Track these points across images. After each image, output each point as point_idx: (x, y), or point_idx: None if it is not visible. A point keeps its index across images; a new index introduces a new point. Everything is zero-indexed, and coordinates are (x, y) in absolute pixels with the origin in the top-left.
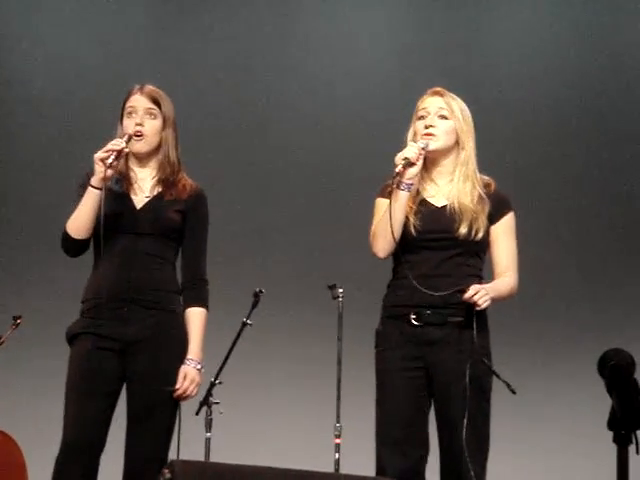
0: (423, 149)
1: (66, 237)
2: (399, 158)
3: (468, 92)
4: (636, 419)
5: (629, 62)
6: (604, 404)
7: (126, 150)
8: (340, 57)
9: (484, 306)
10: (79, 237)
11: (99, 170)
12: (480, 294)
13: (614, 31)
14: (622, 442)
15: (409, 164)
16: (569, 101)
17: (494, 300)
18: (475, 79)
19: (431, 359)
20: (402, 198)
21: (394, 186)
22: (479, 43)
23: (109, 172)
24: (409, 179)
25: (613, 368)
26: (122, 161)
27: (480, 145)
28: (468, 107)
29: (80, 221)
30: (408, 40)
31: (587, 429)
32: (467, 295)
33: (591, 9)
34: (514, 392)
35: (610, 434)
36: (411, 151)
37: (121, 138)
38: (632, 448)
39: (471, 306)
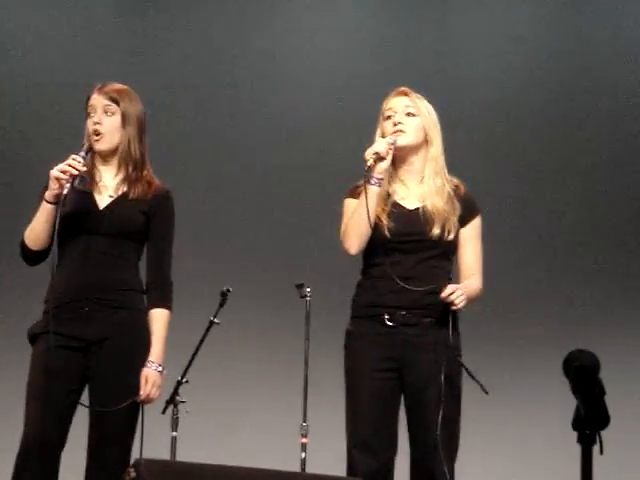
0: (392, 144)
1: (24, 247)
2: (369, 153)
3: (441, 94)
4: (600, 419)
5: (598, 60)
6: (569, 404)
7: (84, 169)
8: (310, 54)
9: (460, 306)
10: (36, 248)
11: (53, 187)
12: (457, 294)
13: (586, 29)
14: (587, 442)
15: (379, 158)
16: (540, 101)
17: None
18: (447, 80)
19: (405, 360)
20: (373, 193)
21: (365, 181)
22: (450, 43)
23: (64, 191)
24: (379, 173)
25: (577, 369)
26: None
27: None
28: (442, 108)
29: (36, 233)
30: (377, 40)
31: (552, 429)
32: (444, 294)
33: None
34: (486, 392)
35: (575, 434)
36: (381, 146)
37: (82, 148)
38: (596, 448)
39: (444, 307)
